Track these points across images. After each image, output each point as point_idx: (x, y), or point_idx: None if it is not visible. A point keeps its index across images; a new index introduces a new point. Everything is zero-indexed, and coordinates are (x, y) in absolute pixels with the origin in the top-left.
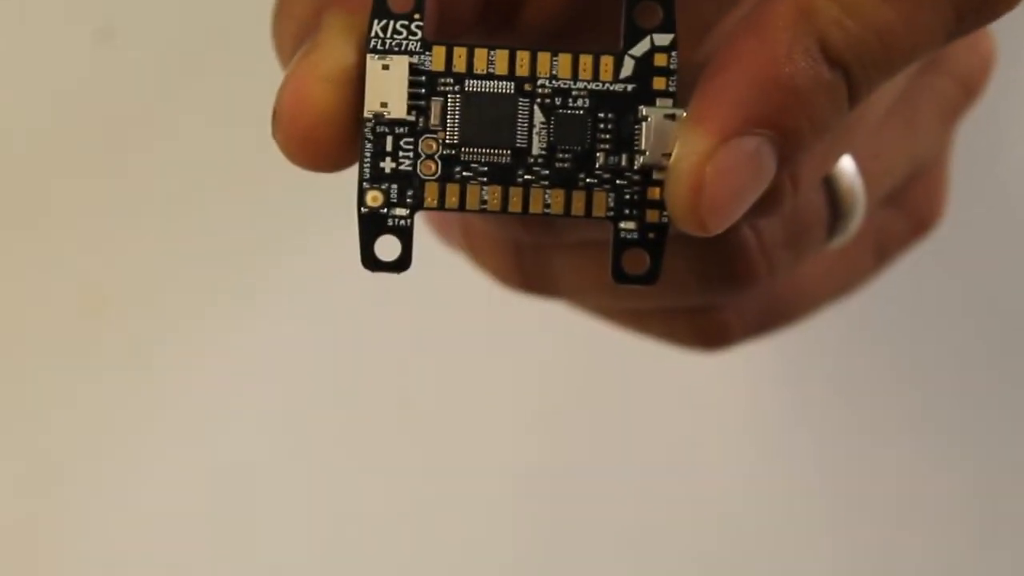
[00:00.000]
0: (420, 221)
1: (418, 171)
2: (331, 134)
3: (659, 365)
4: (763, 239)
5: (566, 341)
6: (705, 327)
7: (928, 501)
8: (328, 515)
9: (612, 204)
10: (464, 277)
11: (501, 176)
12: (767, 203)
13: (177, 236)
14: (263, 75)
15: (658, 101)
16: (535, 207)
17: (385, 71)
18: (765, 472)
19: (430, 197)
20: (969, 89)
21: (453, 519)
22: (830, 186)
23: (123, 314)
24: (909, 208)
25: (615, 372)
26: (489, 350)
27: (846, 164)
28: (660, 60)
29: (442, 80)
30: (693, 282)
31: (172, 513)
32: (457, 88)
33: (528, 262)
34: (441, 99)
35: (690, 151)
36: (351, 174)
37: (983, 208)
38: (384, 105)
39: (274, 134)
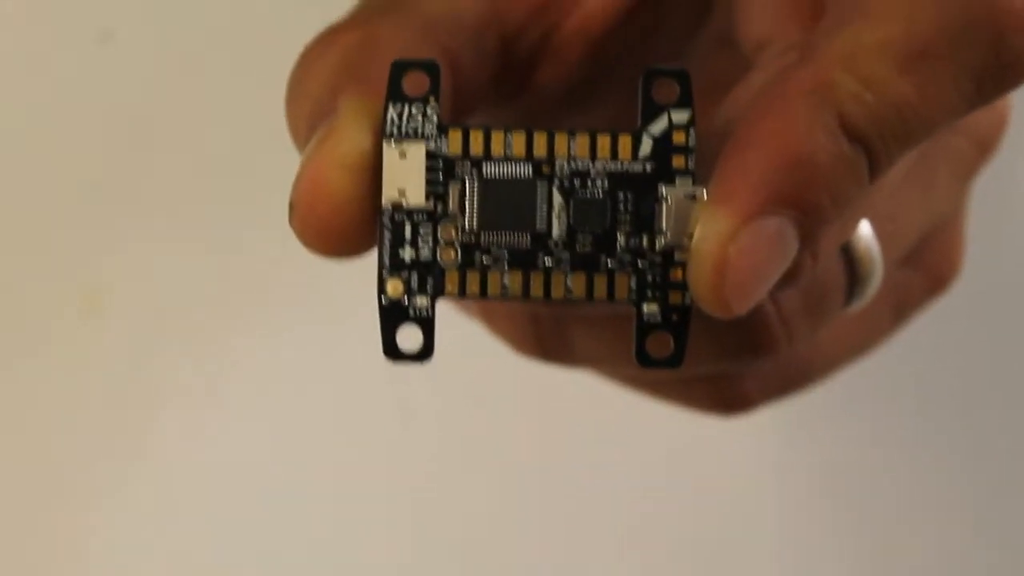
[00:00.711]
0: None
1: (438, 259)
2: (349, 223)
3: None
4: (782, 309)
5: None
6: (725, 395)
7: (930, 503)
8: (328, 515)
9: (634, 287)
10: None
11: (522, 261)
12: (787, 276)
13: (178, 236)
14: (263, 75)
15: (677, 180)
16: (557, 292)
17: (402, 159)
18: (767, 473)
19: (451, 285)
20: (984, 147)
21: (455, 518)
22: (848, 252)
23: (123, 314)
24: (926, 266)
25: None
26: (491, 349)
27: (863, 229)
28: (678, 138)
29: (459, 164)
30: (712, 353)
31: (171, 513)
32: (475, 172)
33: (546, 333)
34: (459, 184)
35: (712, 233)
36: None
37: (996, 261)
38: (402, 193)
39: (291, 222)
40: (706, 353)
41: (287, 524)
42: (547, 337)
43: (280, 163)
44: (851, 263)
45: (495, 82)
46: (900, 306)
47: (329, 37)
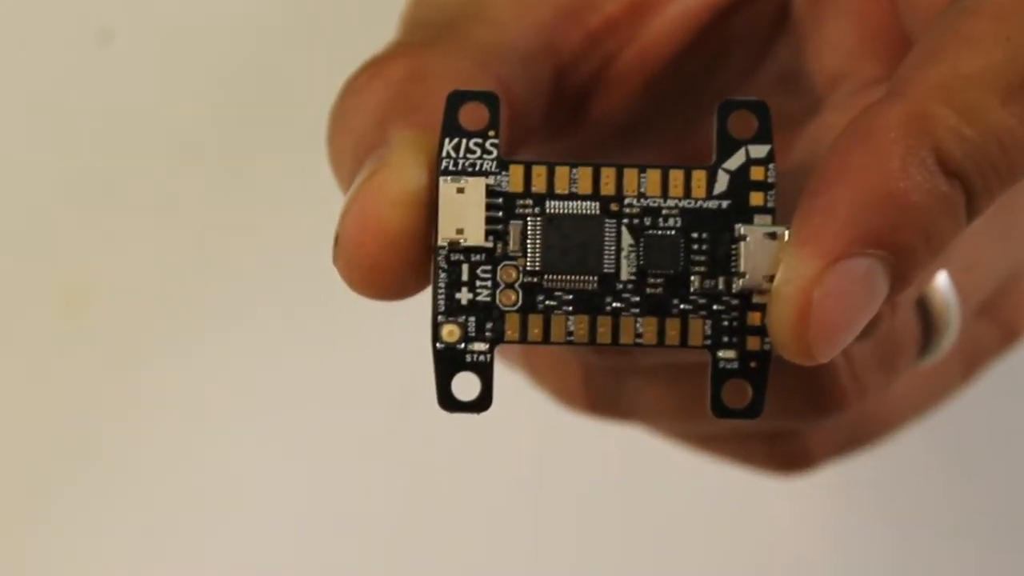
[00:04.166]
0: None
1: (497, 302)
2: (400, 262)
3: None
4: (854, 363)
5: None
6: (784, 453)
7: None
8: (328, 518)
9: (709, 332)
10: None
11: (587, 304)
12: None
13: (175, 236)
14: (263, 74)
15: (756, 218)
16: (626, 337)
17: (460, 194)
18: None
19: (511, 330)
20: None
21: (457, 519)
22: (923, 303)
23: (106, 313)
24: (1000, 318)
25: None
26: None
27: (940, 280)
28: (757, 174)
29: (521, 202)
30: (776, 409)
31: (167, 513)
32: (537, 210)
33: (597, 386)
34: (520, 223)
35: (796, 275)
36: None
37: None
38: (460, 231)
39: (335, 260)
40: (771, 409)
41: (285, 526)
42: (598, 391)
43: (283, 162)
44: (926, 315)
45: (548, 115)
46: (972, 359)
47: (374, 68)
